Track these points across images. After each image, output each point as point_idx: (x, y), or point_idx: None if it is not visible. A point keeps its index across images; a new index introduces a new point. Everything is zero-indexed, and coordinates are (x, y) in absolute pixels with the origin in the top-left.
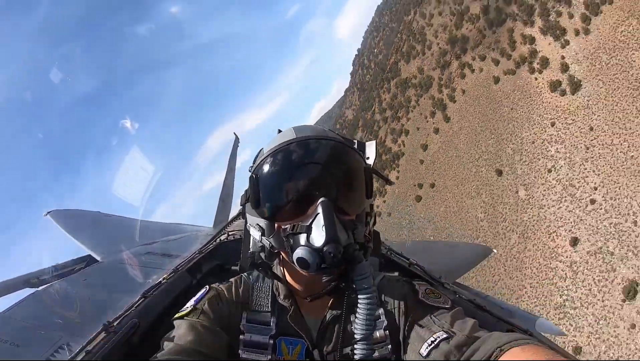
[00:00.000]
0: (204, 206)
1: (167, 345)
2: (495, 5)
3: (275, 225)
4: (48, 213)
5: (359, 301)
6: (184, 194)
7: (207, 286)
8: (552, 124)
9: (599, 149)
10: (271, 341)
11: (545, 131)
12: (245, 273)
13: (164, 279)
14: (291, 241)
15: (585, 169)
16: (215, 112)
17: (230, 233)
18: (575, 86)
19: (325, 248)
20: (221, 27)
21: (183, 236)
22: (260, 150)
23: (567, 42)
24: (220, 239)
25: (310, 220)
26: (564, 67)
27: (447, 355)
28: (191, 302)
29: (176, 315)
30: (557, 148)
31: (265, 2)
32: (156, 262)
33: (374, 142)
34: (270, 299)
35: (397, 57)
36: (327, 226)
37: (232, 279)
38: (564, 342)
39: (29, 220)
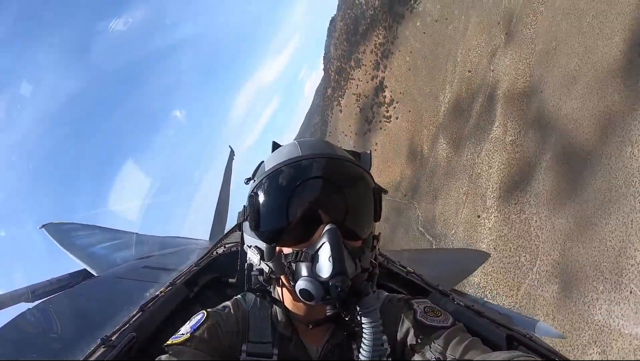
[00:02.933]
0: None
1: None
2: None
3: (277, 249)
4: (43, 226)
5: (364, 332)
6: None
7: (204, 312)
8: None
9: None
10: None
11: None
12: (239, 296)
13: (161, 292)
14: (293, 267)
15: None
16: (233, 75)
17: (226, 246)
18: None
19: (331, 282)
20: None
21: (179, 250)
22: (261, 164)
23: None
24: (216, 252)
25: (316, 248)
26: None
27: None
28: (187, 328)
29: (172, 341)
30: None
31: None
32: (153, 276)
33: (369, 152)
34: (270, 328)
35: None
36: (334, 258)
37: (227, 304)
38: (560, 345)
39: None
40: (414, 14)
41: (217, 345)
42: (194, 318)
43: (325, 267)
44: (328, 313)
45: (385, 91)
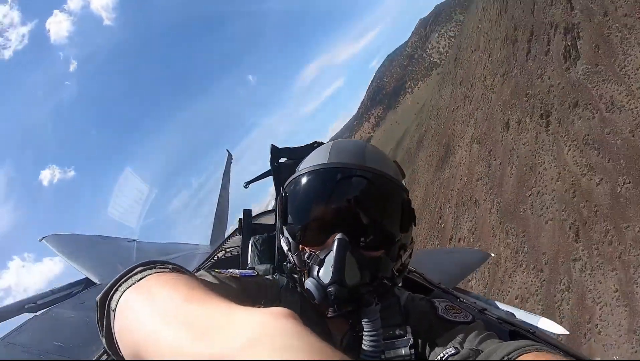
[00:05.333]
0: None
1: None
2: None
3: (300, 246)
4: (43, 238)
5: (364, 340)
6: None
7: (256, 271)
8: None
9: None
10: None
11: None
12: (271, 276)
13: None
14: (308, 266)
15: None
16: (309, 44)
17: (227, 250)
18: None
19: (329, 289)
20: None
21: (180, 255)
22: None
23: None
24: (217, 257)
25: (326, 254)
26: None
27: None
28: (236, 271)
29: (218, 271)
30: None
31: None
32: None
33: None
34: (299, 311)
35: None
36: (335, 267)
37: (268, 277)
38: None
39: None
40: None
41: (251, 304)
42: (245, 269)
43: (327, 274)
44: (329, 315)
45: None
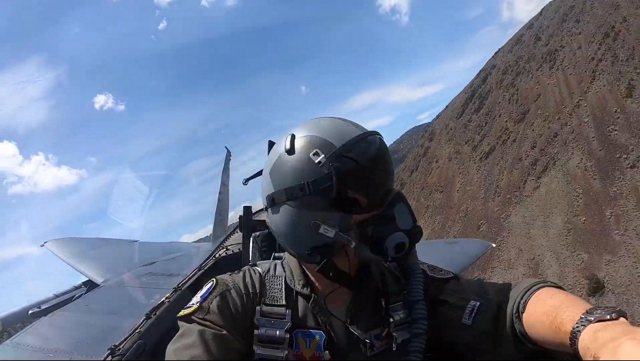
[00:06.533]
0: None
1: (174, 354)
2: None
3: (352, 218)
4: (44, 243)
5: (413, 275)
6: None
7: (214, 280)
8: None
9: None
10: (287, 335)
11: None
12: (251, 265)
13: (166, 298)
14: (373, 231)
15: None
16: (370, 72)
17: (228, 248)
18: None
19: (413, 231)
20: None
21: (182, 254)
22: (308, 137)
23: None
24: (219, 255)
25: (392, 209)
26: None
27: (493, 319)
28: (197, 298)
29: (181, 313)
30: None
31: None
32: (157, 282)
33: None
34: (284, 292)
35: None
36: (409, 213)
37: (244, 268)
38: None
39: None
40: None
41: (229, 312)
42: (204, 286)
43: (407, 220)
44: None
45: None
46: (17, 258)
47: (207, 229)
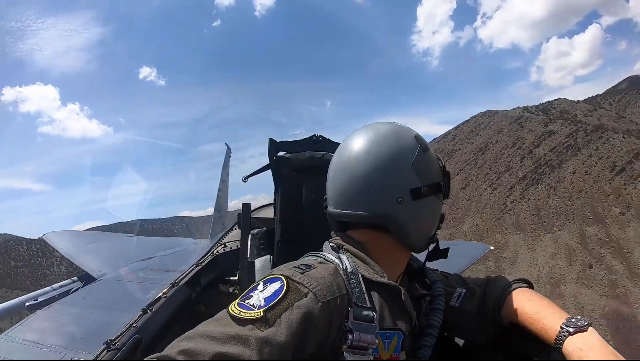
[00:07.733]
0: None
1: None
2: None
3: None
4: (44, 235)
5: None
6: None
7: (284, 280)
8: None
9: None
10: (377, 339)
11: None
12: (323, 256)
13: (163, 294)
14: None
15: None
16: (396, 100)
17: (227, 244)
18: None
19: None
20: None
21: (180, 250)
22: (413, 144)
23: None
24: (217, 251)
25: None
26: None
27: (477, 305)
28: (259, 299)
29: (235, 311)
30: None
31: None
32: (154, 277)
33: None
34: (365, 292)
35: None
36: None
37: (312, 261)
38: None
39: None
40: None
41: (302, 326)
42: (270, 285)
43: None
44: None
45: None
46: (22, 190)
47: (207, 211)
